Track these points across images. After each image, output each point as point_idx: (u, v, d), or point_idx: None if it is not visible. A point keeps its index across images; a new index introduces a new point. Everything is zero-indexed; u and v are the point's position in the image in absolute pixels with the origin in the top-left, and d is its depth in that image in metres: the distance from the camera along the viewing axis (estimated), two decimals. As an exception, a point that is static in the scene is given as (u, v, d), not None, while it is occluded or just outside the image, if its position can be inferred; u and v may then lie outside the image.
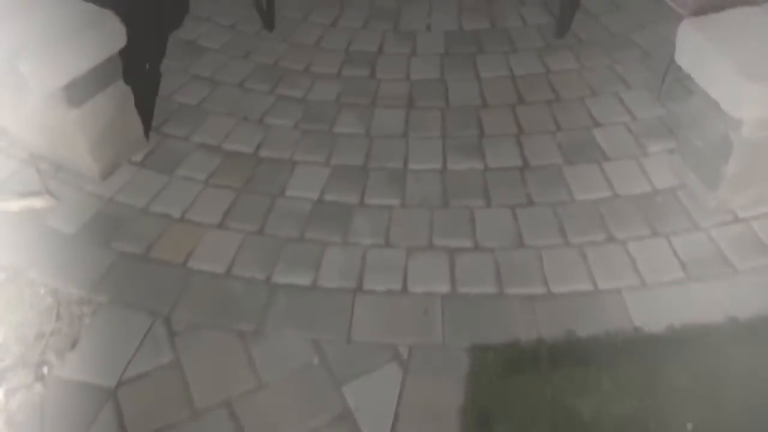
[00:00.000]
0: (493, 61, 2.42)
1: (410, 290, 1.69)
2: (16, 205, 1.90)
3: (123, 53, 1.91)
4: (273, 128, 2.17)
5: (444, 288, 1.69)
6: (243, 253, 1.79)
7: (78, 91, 1.82)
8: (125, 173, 2.02)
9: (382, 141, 2.12)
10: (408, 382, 1.51)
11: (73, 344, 1.59)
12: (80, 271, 1.75)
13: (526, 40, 2.50)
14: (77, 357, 1.57)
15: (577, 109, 2.20)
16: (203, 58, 2.47)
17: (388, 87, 2.34)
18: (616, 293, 1.66)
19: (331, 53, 2.49)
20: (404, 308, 1.66)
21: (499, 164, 2.02)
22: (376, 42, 2.54)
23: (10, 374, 1.53)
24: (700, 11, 1.90)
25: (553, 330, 1.59)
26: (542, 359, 1.53)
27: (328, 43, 2.54)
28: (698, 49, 1.64)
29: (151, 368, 1.55)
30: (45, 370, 1.54)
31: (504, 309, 1.65)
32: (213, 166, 2.04)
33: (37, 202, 1.90)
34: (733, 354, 1.51)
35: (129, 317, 1.65)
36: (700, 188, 1.83)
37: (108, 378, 1.53)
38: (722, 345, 1.53)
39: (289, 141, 2.12)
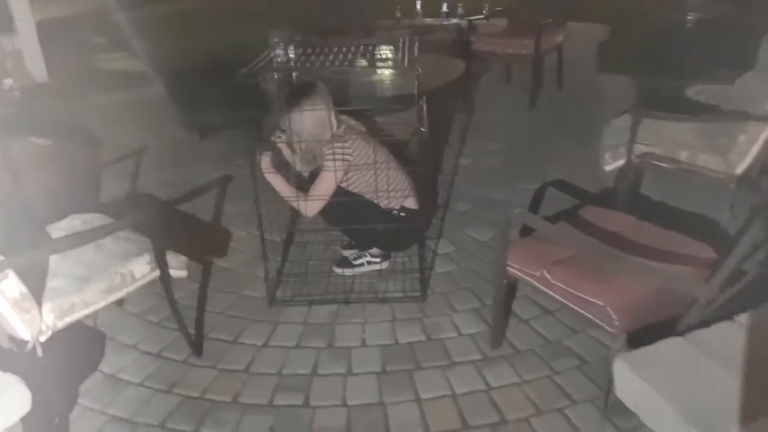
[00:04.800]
0: (432, 378, 2.34)
1: None
2: None
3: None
4: (195, 481, 1.94)
5: None
6: None
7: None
8: None
9: (319, 489, 1.92)
10: None
11: None
12: None
13: (462, 353, 2.46)
14: None
15: (524, 433, 2.09)
16: (124, 393, 2.30)
17: (324, 416, 2.19)
18: None
19: (263, 379, 2.37)
20: None
21: None
22: (310, 362, 2.45)
23: None
24: (629, 331, 1.94)
25: None
26: None
27: (259, 367, 2.43)
28: (639, 391, 1.60)
29: None
30: None
31: None
32: None
33: None
34: None
35: None
36: None
37: None
38: None
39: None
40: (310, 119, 2.62)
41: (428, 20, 5.76)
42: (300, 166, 2.85)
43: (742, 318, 1.77)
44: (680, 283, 1.96)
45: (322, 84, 2.67)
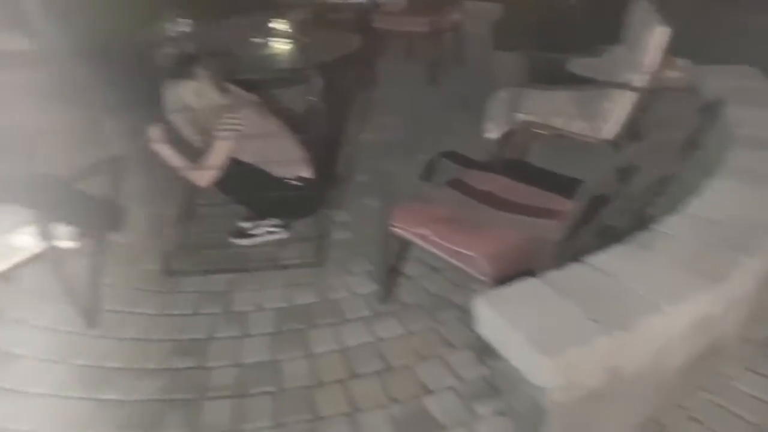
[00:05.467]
0: (324, 335, 2.47)
1: None
2: None
3: None
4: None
5: None
6: None
7: None
8: None
9: (212, 440, 2.01)
10: None
11: None
12: None
13: (354, 311, 2.60)
14: None
15: (407, 377, 2.25)
16: (15, 366, 2.29)
17: (219, 375, 2.28)
18: None
19: (159, 345, 2.42)
20: None
21: (334, 451, 1.96)
22: (207, 327, 2.52)
23: None
24: (498, 279, 2.13)
25: None
26: None
27: (155, 334, 2.48)
28: (494, 324, 1.78)
29: None
30: None
31: None
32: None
33: None
34: None
35: None
36: (530, 451, 1.86)
37: None
38: None
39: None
40: (188, 89, 2.67)
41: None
42: (191, 137, 2.89)
43: (589, 259, 1.97)
44: (537, 229, 2.17)
45: (205, 56, 2.72)
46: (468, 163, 3.65)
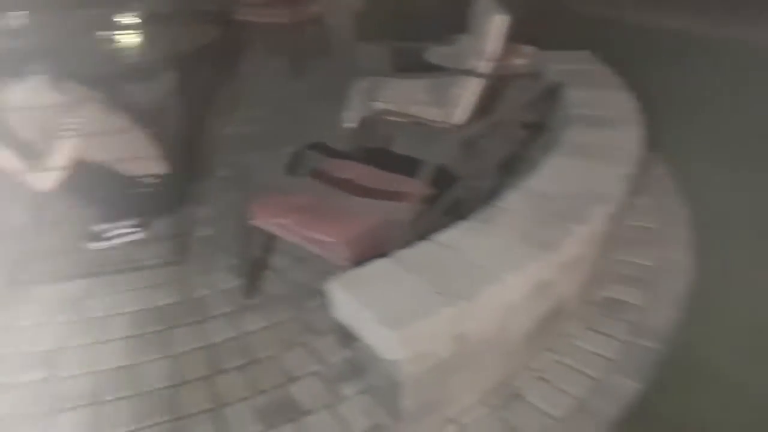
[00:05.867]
0: (187, 334, 2.41)
1: None
2: None
3: None
4: None
5: None
6: None
7: None
8: None
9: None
10: None
11: None
12: None
13: (217, 307, 2.56)
14: None
15: (272, 367, 2.25)
16: None
17: (73, 386, 2.17)
18: None
19: (9, 359, 2.27)
20: None
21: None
22: (58, 336, 2.38)
23: None
24: (357, 262, 2.17)
25: None
26: None
27: (3, 348, 2.32)
28: (347, 306, 1.83)
29: None
30: None
31: None
32: None
33: None
34: None
35: None
36: (392, 426, 1.93)
37: None
38: None
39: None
40: (23, 88, 2.52)
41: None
42: (29, 139, 2.71)
43: (437, 236, 2.07)
44: (390, 212, 2.25)
45: (42, 52, 2.57)
46: (332, 153, 3.71)
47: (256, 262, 2.71)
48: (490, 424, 2.03)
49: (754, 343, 2.35)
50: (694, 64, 4.88)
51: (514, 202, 2.28)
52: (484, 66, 3.05)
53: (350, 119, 3.36)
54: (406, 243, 2.08)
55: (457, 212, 2.32)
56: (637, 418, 2.07)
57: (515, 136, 3.45)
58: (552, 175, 2.46)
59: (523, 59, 3.83)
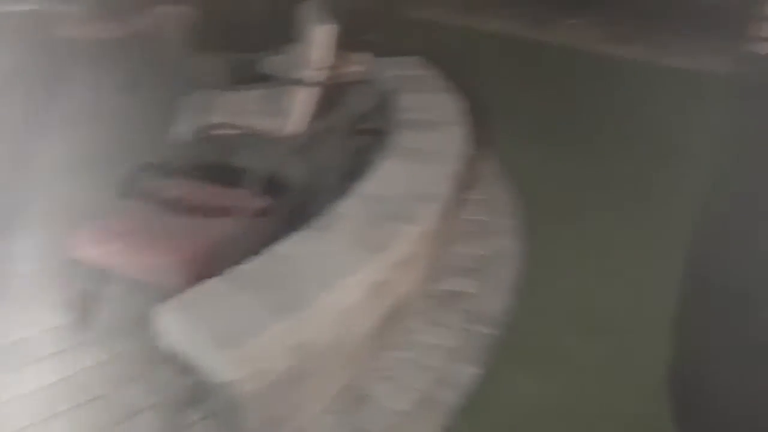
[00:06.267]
0: (8, 381, 2.21)
1: None
2: None
3: None
4: None
5: None
6: None
7: None
8: None
9: None
10: None
11: None
12: None
13: (46, 347, 2.36)
14: None
15: (111, 404, 2.13)
16: None
17: None
18: None
19: None
20: None
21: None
22: None
23: None
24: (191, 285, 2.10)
25: None
26: None
27: None
28: (175, 329, 1.77)
29: None
30: None
31: None
32: None
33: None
34: None
35: None
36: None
37: None
38: None
39: None
40: None
41: None
42: None
43: (271, 248, 2.07)
44: (221, 228, 2.21)
45: None
46: (165, 171, 3.57)
47: (87, 295, 2.54)
48: (338, 430, 2.05)
49: (577, 318, 2.58)
50: (520, 65, 5.28)
51: (349, 207, 2.33)
52: (315, 75, 3.09)
53: (183, 134, 3.26)
54: (242, 258, 2.06)
55: (296, 221, 2.32)
56: (475, 402, 2.20)
57: (353, 142, 3.52)
58: (383, 179, 2.54)
59: (357, 66, 3.92)
